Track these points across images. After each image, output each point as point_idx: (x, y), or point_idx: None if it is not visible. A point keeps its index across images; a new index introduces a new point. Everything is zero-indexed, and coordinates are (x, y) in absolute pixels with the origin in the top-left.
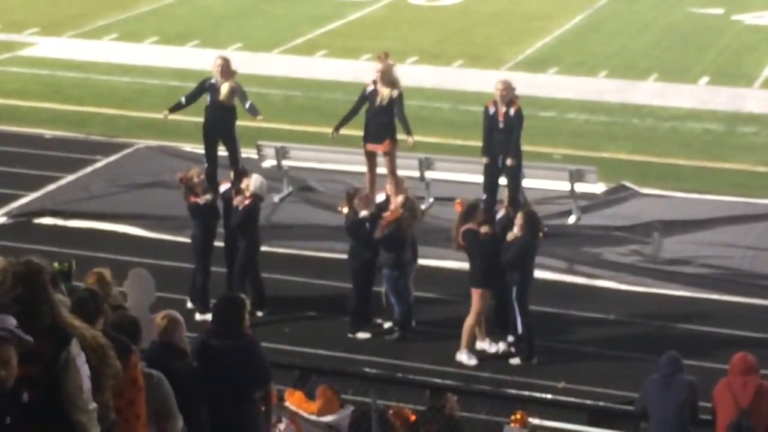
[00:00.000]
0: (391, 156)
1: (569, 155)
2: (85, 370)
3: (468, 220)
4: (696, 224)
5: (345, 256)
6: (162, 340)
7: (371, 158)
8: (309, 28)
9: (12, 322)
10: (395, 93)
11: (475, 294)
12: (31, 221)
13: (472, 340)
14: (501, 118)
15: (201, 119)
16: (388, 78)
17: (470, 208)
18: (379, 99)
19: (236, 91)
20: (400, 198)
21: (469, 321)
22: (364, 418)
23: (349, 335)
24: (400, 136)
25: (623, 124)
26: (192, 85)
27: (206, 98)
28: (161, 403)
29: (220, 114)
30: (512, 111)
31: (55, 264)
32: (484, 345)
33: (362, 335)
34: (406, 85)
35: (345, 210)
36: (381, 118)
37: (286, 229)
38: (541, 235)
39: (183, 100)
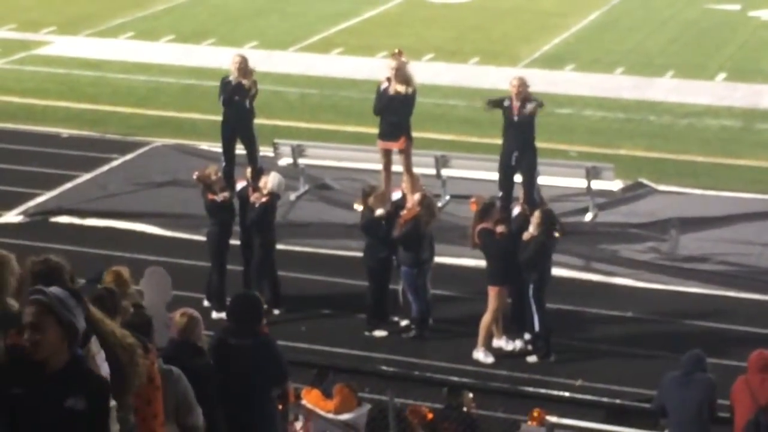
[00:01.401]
0: (406, 153)
1: (586, 152)
2: (105, 368)
3: (484, 219)
4: (713, 221)
5: (361, 254)
6: (180, 337)
7: (386, 156)
8: (325, 26)
9: (64, 295)
10: (410, 90)
11: (492, 292)
12: (48, 220)
13: (489, 338)
14: (516, 113)
15: (217, 117)
16: (402, 75)
17: (486, 207)
18: (392, 91)
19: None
20: (417, 196)
21: (486, 319)
22: (381, 417)
23: (366, 333)
24: (416, 133)
25: (640, 120)
26: (208, 83)
27: (224, 95)
28: (182, 398)
29: (239, 112)
30: (527, 106)
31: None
32: (500, 343)
33: (379, 333)
34: (422, 83)
35: (360, 208)
36: (396, 115)
37: (303, 227)
38: (557, 235)
39: (221, 104)
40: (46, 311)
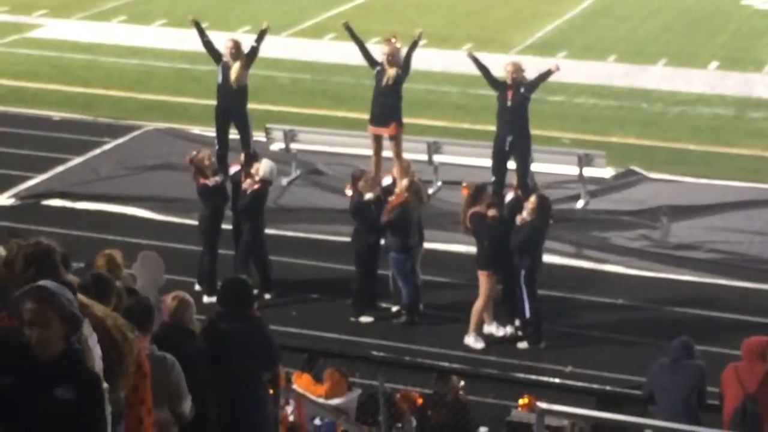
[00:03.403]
0: (397, 140)
1: (578, 139)
2: (97, 351)
3: (475, 203)
4: (704, 209)
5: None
6: (172, 321)
7: (377, 141)
8: (317, 11)
9: (61, 288)
10: (401, 72)
11: (482, 277)
12: (40, 203)
13: (480, 323)
14: (509, 97)
15: (211, 102)
16: (395, 60)
17: (477, 191)
18: (385, 79)
19: (245, 73)
20: (405, 181)
21: (478, 304)
22: (372, 401)
23: (352, 319)
24: (408, 119)
25: (632, 108)
26: (201, 68)
27: (218, 78)
28: (174, 385)
29: (232, 96)
30: (521, 89)
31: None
32: (491, 329)
33: (365, 319)
34: (414, 69)
35: (350, 193)
36: (387, 99)
37: (294, 212)
38: (551, 222)
39: (205, 35)
40: (48, 306)
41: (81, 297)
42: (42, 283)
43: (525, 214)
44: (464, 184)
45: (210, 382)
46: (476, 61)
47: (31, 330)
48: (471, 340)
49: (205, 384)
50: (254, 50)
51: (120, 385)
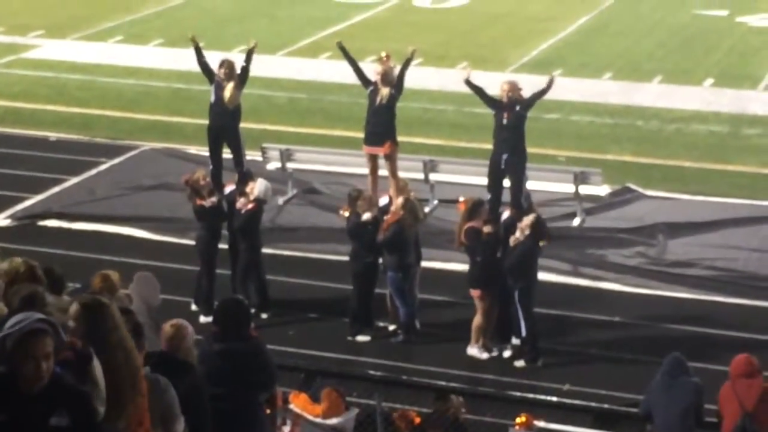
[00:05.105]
0: (392, 159)
1: (574, 157)
2: (101, 380)
3: (472, 218)
4: (701, 226)
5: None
6: (169, 349)
7: (372, 160)
8: (313, 30)
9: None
10: (394, 91)
11: (475, 295)
12: (36, 224)
13: (480, 339)
14: (506, 116)
15: (206, 121)
16: (388, 79)
17: (474, 206)
18: (378, 98)
19: (238, 92)
20: (400, 200)
21: (478, 320)
22: (369, 421)
23: (349, 338)
24: (404, 138)
25: (628, 126)
26: (197, 87)
27: (211, 97)
28: (168, 408)
29: (225, 115)
30: (517, 107)
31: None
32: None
33: (362, 338)
34: (410, 87)
35: (346, 213)
36: (380, 118)
37: (291, 231)
38: (541, 244)
39: (202, 55)
40: (51, 339)
41: (115, 311)
42: (40, 316)
43: (518, 234)
44: (462, 200)
45: (209, 412)
46: (471, 84)
47: (34, 363)
48: (475, 351)
49: (205, 415)
50: (244, 70)
51: (137, 402)
